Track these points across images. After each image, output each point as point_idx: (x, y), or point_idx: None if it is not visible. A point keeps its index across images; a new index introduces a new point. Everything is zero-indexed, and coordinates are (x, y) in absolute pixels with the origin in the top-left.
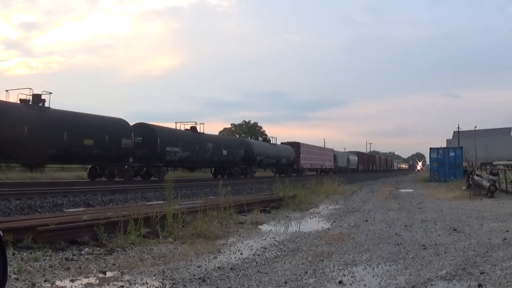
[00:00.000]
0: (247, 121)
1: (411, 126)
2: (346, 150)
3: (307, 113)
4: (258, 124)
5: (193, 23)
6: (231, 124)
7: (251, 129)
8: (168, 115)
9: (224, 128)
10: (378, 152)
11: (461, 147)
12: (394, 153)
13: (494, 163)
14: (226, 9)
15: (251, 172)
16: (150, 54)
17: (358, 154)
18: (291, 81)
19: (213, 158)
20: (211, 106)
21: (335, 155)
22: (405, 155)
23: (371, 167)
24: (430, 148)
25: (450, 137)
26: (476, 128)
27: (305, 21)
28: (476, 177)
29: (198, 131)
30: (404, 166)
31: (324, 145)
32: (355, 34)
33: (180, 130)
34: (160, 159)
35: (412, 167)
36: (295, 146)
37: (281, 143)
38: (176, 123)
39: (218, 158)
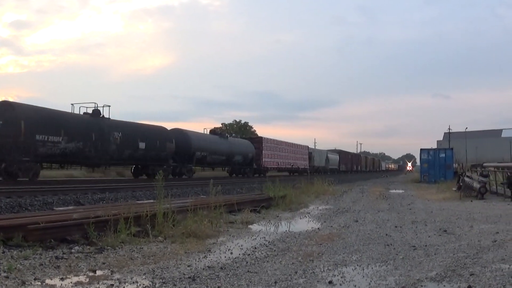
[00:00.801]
0: (238, 120)
1: (402, 127)
2: (330, 149)
3: (298, 113)
4: (249, 124)
5: (185, 22)
6: (221, 124)
7: (242, 129)
8: (159, 114)
9: (214, 127)
10: (369, 152)
11: (452, 148)
12: (384, 153)
13: (484, 164)
14: (217, 8)
15: (188, 172)
16: (142, 54)
17: (340, 152)
18: (282, 81)
19: (123, 152)
20: (202, 106)
21: (310, 153)
22: (395, 156)
23: (355, 167)
24: (421, 149)
25: (441, 138)
26: (466, 130)
27: (296, 21)
28: (466, 179)
29: (104, 116)
30: (393, 166)
31: (315, 145)
32: (347, 35)
33: (64, 112)
34: (27, 152)
35: (402, 168)
36: (256, 141)
37: (239, 137)
38: (72, 104)
39: (131, 153)
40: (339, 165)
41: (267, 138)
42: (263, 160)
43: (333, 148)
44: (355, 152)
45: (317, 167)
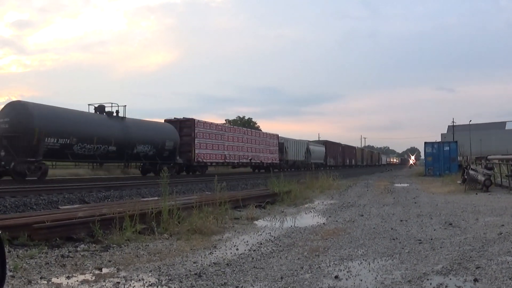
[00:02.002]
0: (241, 116)
1: (406, 120)
2: (315, 140)
3: (302, 108)
4: (253, 120)
5: (187, 19)
6: (225, 120)
7: (246, 125)
8: (162, 111)
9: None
10: (373, 147)
11: (456, 141)
12: (388, 147)
13: (489, 157)
14: (219, 4)
15: (31, 173)
16: (144, 51)
17: (327, 144)
18: (285, 76)
19: None
20: (205, 102)
21: (281, 143)
22: (400, 150)
23: (349, 162)
24: (425, 143)
25: (445, 131)
26: (470, 122)
27: (298, 15)
28: (471, 172)
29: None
30: (395, 160)
31: (319, 139)
32: (349, 29)
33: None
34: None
35: (405, 162)
36: (185, 125)
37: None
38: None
39: None
40: (325, 158)
41: (204, 122)
42: (197, 151)
43: (318, 139)
44: (355, 144)
45: (293, 161)
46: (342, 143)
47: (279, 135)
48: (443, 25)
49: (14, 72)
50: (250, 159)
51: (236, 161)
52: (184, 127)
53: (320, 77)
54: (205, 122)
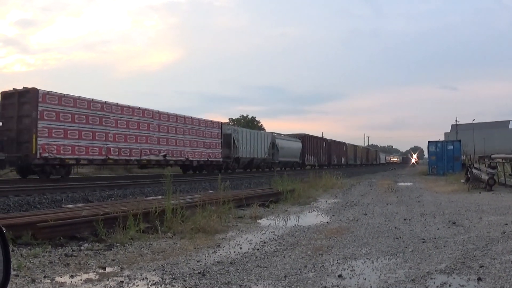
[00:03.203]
0: (245, 115)
1: (409, 119)
2: (290, 133)
3: (305, 106)
4: (256, 119)
5: (190, 18)
6: (229, 119)
7: (249, 124)
8: (166, 110)
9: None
10: (377, 146)
11: (459, 140)
12: (392, 146)
13: (492, 156)
14: (223, 3)
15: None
16: (147, 50)
17: (305, 138)
18: (288, 75)
19: None
20: (208, 101)
21: (227, 135)
22: (403, 149)
23: (336, 160)
24: (429, 142)
25: (449, 130)
26: (474, 121)
27: (302, 14)
28: (474, 170)
29: None
30: (395, 159)
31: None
32: (352, 27)
33: None
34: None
35: (407, 161)
36: (26, 99)
37: None
38: None
39: None
40: (303, 156)
41: (62, 96)
42: (41, 142)
43: (293, 134)
44: (347, 141)
45: (249, 159)
46: (328, 138)
47: (229, 125)
48: (446, 24)
49: (18, 71)
50: (164, 155)
51: (132, 158)
52: (25, 102)
53: (323, 76)
54: (63, 96)
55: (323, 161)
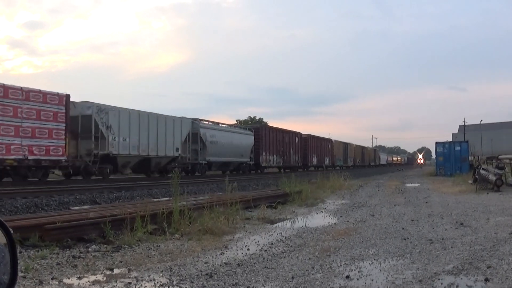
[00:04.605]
0: (252, 117)
1: (417, 120)
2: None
3: (313, 108)
4: (264, 120)
5: (198, 19)
6: (236, 121)
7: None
8: (173, 111)
9: (228, 124)
10: (384, 147)
11: (467, 141)
12: (400, 147)
13: (500, 157)
14: (230, 5)
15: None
16: (155, 51)
17: (261, 130)
18: (296, 76)
19: None
20: (216, 103)
21: (87, 116)
22: (411, 150)
23: (316, 160)
24: (436, 142)
25: (456, 131)
26: (482, 122)
27: (310, 16)
28: (482, 171)
29: None
30: (399, 159)
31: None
32: (361, 29)
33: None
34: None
35: (412, 161)
36: None
37: None
38: None
39: None
40: (253, 155)
41: None
42: None
43: (244, 125)
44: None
45: (139, 158)
46: (303, 132)
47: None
48: (455, 25)
49: (25, 73)
50: None
51: None
52: None
53: (331, 78)
54: None
55: (294, 161)
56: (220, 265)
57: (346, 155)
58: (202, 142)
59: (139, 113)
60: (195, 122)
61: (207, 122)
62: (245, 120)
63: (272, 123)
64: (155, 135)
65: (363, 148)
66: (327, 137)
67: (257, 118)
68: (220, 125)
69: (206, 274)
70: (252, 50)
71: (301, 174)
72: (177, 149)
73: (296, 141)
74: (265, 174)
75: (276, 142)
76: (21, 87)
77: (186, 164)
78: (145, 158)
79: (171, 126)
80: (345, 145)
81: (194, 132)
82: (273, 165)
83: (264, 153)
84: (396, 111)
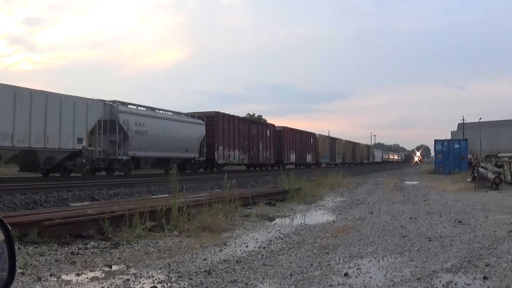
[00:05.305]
0: (251, 114)
1: (416, 117)
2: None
3: (312, 105)
4: (263, 117)
5: (198, 16)
6: None
7: None
8: (172, 108)
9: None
10: (383, 144)
11: (466, 139)
12: (399, 145)
13: (499, 155)
14: (230, 2)
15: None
16: (155, 48)
17: (217, 119)
18: (296, 73)
19: None
20: (216, 100)
21: None
22: (410, 147)
23: (293, 158)
24: (435, 140)
25: (455, 129)
26: (481, 120)
27: (310, 13)
28: (481, 169)
29: None
30: (395, 157)
31: (328, 135)
32: (361, 26)
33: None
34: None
35: (410, 159)
36: None
37: None
38: None
39: None
40: (209, 149)
41: None
42: None
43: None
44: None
45: (23, 150)
46: (278, 124)
47: None
48: (455, 23)
49: (24, 70)
50: None
51: None
52: None
53: (331, 75)
54: None
55: (264, 158)
56: (219, 262)
57: (333, 152)
58: (123, 132)
59: (15, 89)
60: (112, 106)
61: (133, 107)
62: (244, 117)
63: (271, 120)
64: (42, 121)
65: (354, 144)
66: (327, 134)
67: (256, 115)
68: (157, 111)
69: (205, 271)
70: (252, 47)
71: (275, 173)
72: (79, 140)
73: (268, 134)
74: (216, 173)
75: (238, 134)
76: None
77: (98, 160)
78: (28, 152)
79: (69, 109)
80: (332, 140)
81: (112, 119)
82: (234, 162)
83: (220, 148)
84: (396, 108)
